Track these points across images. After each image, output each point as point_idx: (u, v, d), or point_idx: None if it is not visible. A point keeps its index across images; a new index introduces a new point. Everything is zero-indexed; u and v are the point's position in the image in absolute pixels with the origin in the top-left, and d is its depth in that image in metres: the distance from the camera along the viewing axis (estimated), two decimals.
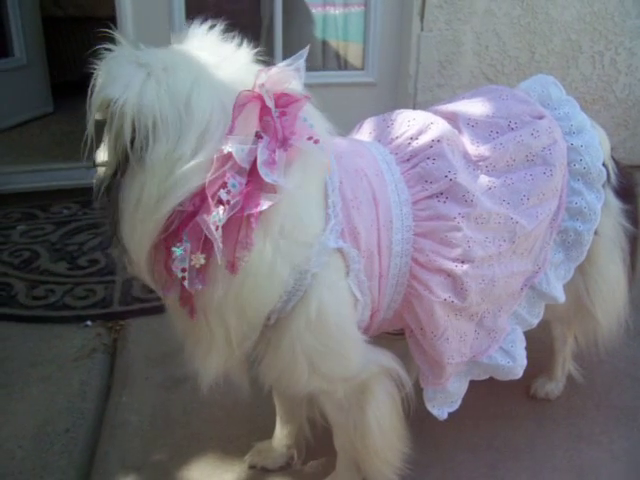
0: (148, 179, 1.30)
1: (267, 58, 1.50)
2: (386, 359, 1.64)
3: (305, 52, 1.44)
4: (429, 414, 1.80)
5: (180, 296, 1.41)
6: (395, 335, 1.88)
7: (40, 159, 4.28)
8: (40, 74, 5.29)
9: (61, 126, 5.07)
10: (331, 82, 4.09)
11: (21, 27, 4.97)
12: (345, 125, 1.54)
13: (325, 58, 4.53)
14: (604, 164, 1.85)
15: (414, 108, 4.06)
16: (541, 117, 1.77)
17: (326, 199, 1.47)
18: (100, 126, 1.36)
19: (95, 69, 1.38)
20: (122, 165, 1.32)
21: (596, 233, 1.86)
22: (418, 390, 1.77)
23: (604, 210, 1.86)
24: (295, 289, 1.43)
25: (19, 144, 4.64)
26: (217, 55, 1.43)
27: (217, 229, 1.29)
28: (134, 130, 1.29)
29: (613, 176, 1.91)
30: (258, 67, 1.45)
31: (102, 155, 1.42)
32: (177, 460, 2.01)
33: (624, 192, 1.95)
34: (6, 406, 2.19)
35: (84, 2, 6.53)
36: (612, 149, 2.00)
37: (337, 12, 4.48)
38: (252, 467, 1.98)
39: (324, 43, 4.54)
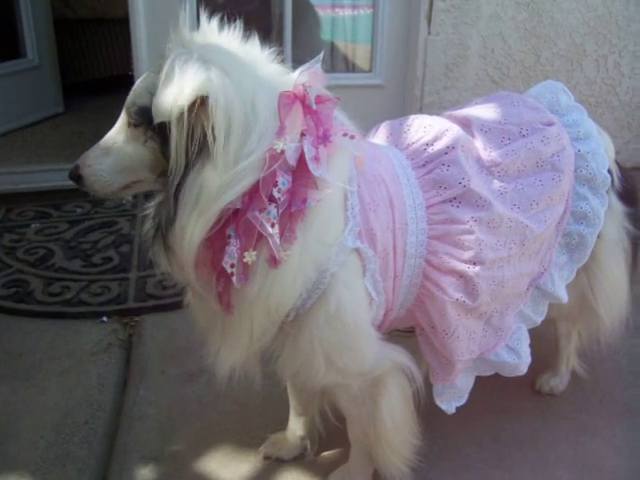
0: (210, 176, 1.33)
1: (279, 59, 1.53)
2: (399, 355, 1.68)
3: (320, 57, 1.49)
4: (438, 408, 1.84)
5: (218, 292, 1.44)
6: (405, 333, 1.93)
7: (52, 159, 4.29)
8: (51, 75, 5.30)
9: (72, 126, 5.10)
10: (339, 84, 4.01)
11: (33, 29, 4.98)
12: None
13: (333, 60, 4.52)
14: (609, 170, 1.89)
15: (420, 110, 4.13)
16: (551, 124, 1.82)
17: (345, 201, 1.51)
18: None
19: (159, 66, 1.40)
20: (191, 163, 1.34)
21: (599, 236, 1.91)
22: (427, 385, 1.81)
23: (608, 213, 1.91)
24: (315, 287, 1.48)
25: (31, 144, 4.66)
26: (248, 54, 1.46)
27: (273, 226, 1.34)
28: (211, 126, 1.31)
29: (617, 180, 1.96)
30: (284, 68, 1.51)
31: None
32: (194, 451, 2.05)
33: (627, 196, 2.00)
34: (27, 398, 2.24)
35: (95, 4, 6.54)
36: (616, 152, 2.05)
37: (345, 14, 4.47)
38: (267, 458, 2.02)
39: (332, 45, 4.54)
